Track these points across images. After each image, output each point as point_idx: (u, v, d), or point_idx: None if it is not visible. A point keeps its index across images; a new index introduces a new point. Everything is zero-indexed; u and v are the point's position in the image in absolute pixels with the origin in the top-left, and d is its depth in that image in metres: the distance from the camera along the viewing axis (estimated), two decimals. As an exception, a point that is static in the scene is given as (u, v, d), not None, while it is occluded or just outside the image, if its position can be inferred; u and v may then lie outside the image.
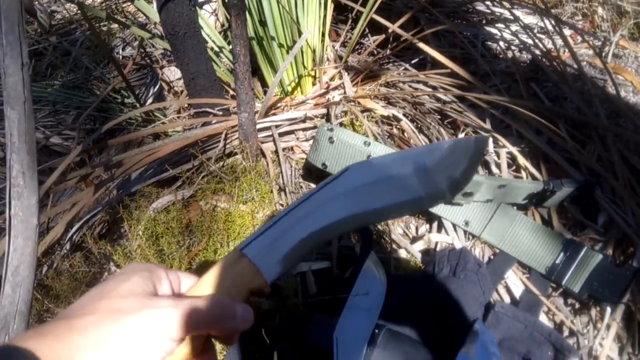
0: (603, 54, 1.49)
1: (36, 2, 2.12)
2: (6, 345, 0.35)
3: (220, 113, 1.28)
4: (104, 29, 2.00)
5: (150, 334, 0.39)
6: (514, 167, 1.15)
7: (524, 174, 1.12)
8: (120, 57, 1.89)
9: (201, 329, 0.42)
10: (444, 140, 0.56)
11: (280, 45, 1.33)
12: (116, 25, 1.99)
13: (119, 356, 0.37)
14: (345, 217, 0.51)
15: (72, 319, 0.38)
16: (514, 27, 1.56)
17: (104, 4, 2.10)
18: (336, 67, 1.43)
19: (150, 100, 1.64)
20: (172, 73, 1.69)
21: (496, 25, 1.59)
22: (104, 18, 1.73)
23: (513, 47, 1.51)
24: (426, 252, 1.01)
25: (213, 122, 1.22)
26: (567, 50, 1.37)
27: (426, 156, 0.55)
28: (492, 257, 1.01)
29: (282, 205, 1.09)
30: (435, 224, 1.06)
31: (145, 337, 0.38)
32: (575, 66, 1.30)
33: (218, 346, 0.87)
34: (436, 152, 0.55)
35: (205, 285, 0.46)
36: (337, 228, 0.51)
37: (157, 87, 1.66)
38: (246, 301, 0.48)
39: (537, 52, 1.42)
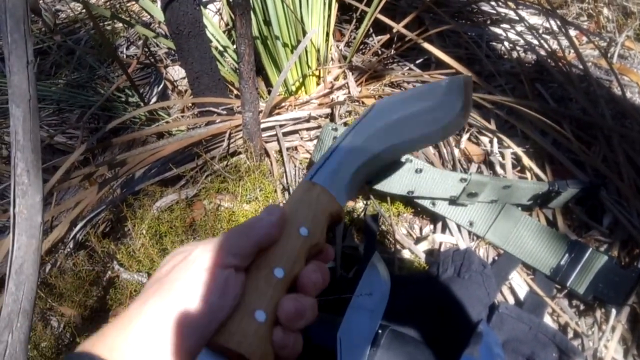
0: (609, 55, 1.48)
1: (41, 1, 2.13)
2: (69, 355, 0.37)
3: (224, 112, 1.28)
4: (108, 27, 2.00)
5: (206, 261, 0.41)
6: (518, 168, 1.14)
7: (528, 174, 1.11)
8: (125, 56, 1.89)
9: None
10: (437, 82, 0.64)
11: (285, 45, 1.33)
12: (120, 24, 2.00)
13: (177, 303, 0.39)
14: (385, 148, 0.60)
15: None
16: (519, 28, 1.55)
17: (108, 3, 2.10)
18: (340, 67, 1.43)
19: (154, 99, 1.64)
20: (176, 72, 1.69)
21: (501, 25, 1.58)
22: (108, 17, 1.74)
23: (518, 48, 1.51)
24: (430, 253, 1.01)
25: (217, 121, 1.22)
26: (572, 50, 1.37)
27: (431, 96, 0.64)
28: (496, 258, 1.01)
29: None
30: (439, 225, 1.06)
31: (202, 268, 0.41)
32: (581, 67, 1.29)
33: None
34: (438, 90, 0.64)
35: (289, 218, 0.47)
36: (380, 159, 0.60)
37: (161, 86, 1.66)
38: (327, 229, 0.51)
39: (542, 52, 1.41)
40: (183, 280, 0.40)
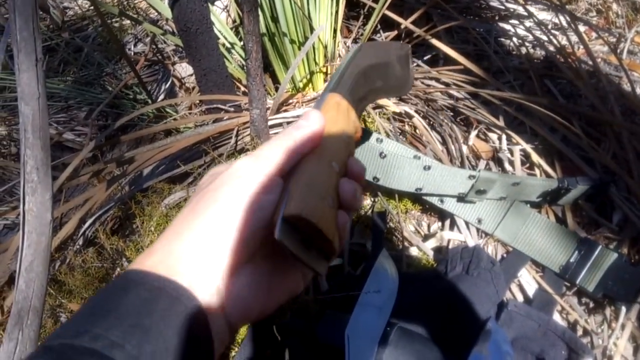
0: (618, 51, 1.47)
1: (49, -1, 2.13)
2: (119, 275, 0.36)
3: (232, 109, 1.28)
4: (116, 25, 2.01)
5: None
6: (527, 165, 1.14)
7: (537, 171, 1.11)
8: (132, 53, 1.90)
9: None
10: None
11: (292, 42, 1.32)
12: (128, 22, 2.00)
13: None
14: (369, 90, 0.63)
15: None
16: (527, 23, 1.54)
17: (116, 0, 2.11)
18: (348, 64, 1.42)
19: (162, 97, 1.64)
20: (184, 69, 1.69)
21: (510, 21, 1.57)
22: (116, 14, 1.74)
23: (527, 44, 1.50)
24: (438, 250, 1.01)
25: (225, 118, 1.22)
26: (581, 46, 1.36)
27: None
28: (505, 255, 1.00)
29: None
30: (447, 222, 1.06)
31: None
32: (590, 63, 1.28)
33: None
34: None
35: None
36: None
37: (168, 83, 1.66)
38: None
39: (551, 48, 1.40)
40: (230, 185, 0.40)
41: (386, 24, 1.53)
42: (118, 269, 1.01)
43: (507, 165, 1.12)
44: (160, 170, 1.18)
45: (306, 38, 1.31)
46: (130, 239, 1.06)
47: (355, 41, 1.56)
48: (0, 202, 1.38)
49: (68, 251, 1.07)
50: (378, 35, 1.57)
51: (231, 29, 1.55)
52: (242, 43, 1.44)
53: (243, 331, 0.88)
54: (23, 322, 0.58)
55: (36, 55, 0.61)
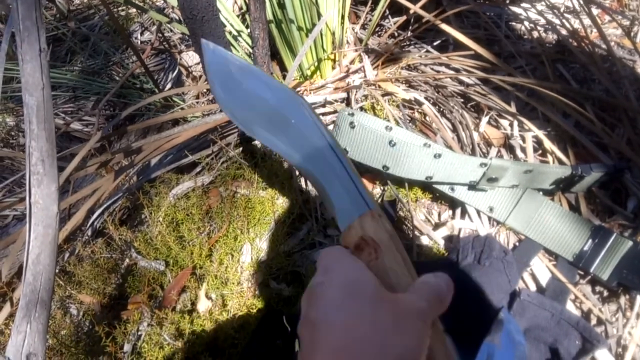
0: (632, 34, 1.44)
1: (55, -12, 2.12)
2: None
3: (239, 98, 1.27)
4: (122, 13, 2.00)
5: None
6: (540, 152, 1.12)
7: (550, 158, 1.09)
8: (139, 42, 1.88)
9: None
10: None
11: (300, 29, 1.31)
12: (134, 10, 1.99)
13: None
14: None
15: None
16: (539, 7, 1.51)
17: (121, -11, 2.09)
18: (356, 50, 1.40)
19: (169, 86, 1.63)
20: (191, 58, 1.68)
21: (521, 4, 1.54)
22: (122, 2, 1.72)
23: (539, 27, 1.47)
24: (449, 239, 1.00)
25: (232, 107, 1.21)
26: (595, 30, 1.33)
27: None
28: (517, 244, 0.99)
29: (301, 191, 1.08)
30: (458, 210, 1.04)
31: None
32: (604, 46, 1.26)
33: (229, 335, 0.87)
34: None
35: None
36: None
37: (175, 72, 1.65)
38: None
39: (564, 32, 1.37)
40: None
41: (395, 9, 1.50)
42: (127, 260, 1.01)
43: (519, 152, 1.11)
44: (168, 160, 1.17)
45: (314, 25, 1.29)
46: (139, 230, 1.05)
47: (363, 27, 1.54)
48: (9, 193, 1.38)
49: (77, 242, 1.07)
50: (387, 20, 1.55)
51: (238, 16, 1.53)
52: (248, 30, 1.43)
53: (253, 321, 0.88)
54: (31, 315, 0.58)
55: (39, 45, 0.60)
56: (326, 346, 0.38)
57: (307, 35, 1.31)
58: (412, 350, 0.38)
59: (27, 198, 0.61)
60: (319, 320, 0.40)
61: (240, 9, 1.61)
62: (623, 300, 0.89)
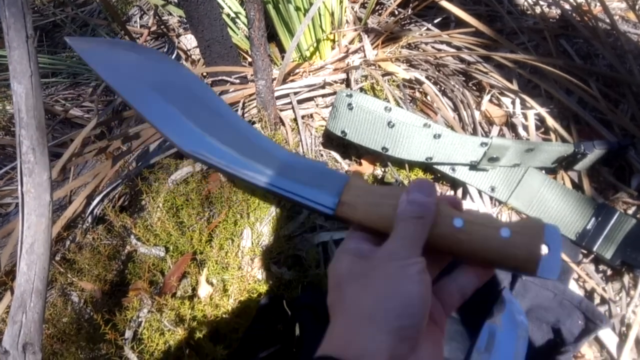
0: (637, 7, 1.41)
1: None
2: None
3: (238, 81, 1.25)
4: (120, -3, 1.98)
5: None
6: (542, 129, 1.10)
7: (553, 136, 1.07)
8: (138, 26, 1.87)
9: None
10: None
11: (297, 9, 1.28)
12: (132, -6, 1.97)
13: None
14: None
15: None
16: (542, -19, 1.48)
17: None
18: (355, 30, 1.38)
19: (167, 70, 1.61)
20: (189, 41, 1.66)
21: (523, -21, 1.51)
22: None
23: (541, 2, 1.44)
24: (451, 220, 0.99)
25: (230, 90, 1.20)
26: (598, 3, 1.30)
27: None
28: (519, 223, 0.98)
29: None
30: (459, 191, 1.03)
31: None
32: (608, 20, 1.23)
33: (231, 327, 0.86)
34: None
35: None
36: None
37: (174, 55, 1.64)
38: None
39: (567, 6, 1.34)
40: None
41: (394, -14, 1.47)
42: (127, 247, 1.01)
43: (521, 131, 1.09)
44: (167, 146, 1.16)
45: (311, 4, 1.27)
46: (139, 216, 1.05)
47: (362, 6, 1.51)
48: (10, 181, 1.38)
49: (78, 229, 1.07)
50: (386, -2, 1.52)
51: (235, -3, 1.50)
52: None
53: (254, 306, 0.87)
54: (26, 305, 0.57)
55: (26, 32, 0.59)
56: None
57: (305, 15, 1.29)
58: (406, 297, 0.38)
59: (19, 187, 0.60)
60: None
61: (238, -10, 1.59)
62: (627, 278, 0.88)
